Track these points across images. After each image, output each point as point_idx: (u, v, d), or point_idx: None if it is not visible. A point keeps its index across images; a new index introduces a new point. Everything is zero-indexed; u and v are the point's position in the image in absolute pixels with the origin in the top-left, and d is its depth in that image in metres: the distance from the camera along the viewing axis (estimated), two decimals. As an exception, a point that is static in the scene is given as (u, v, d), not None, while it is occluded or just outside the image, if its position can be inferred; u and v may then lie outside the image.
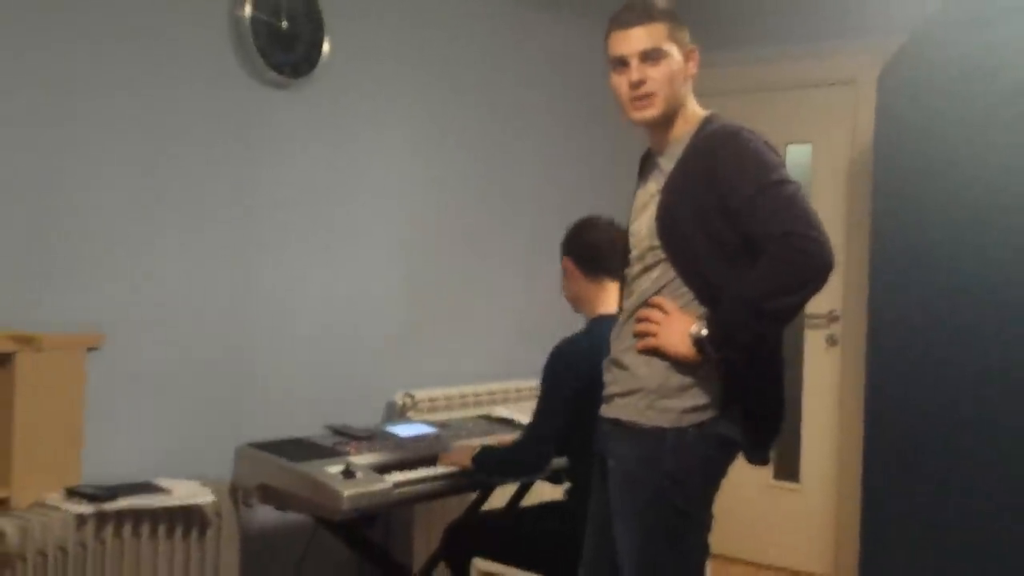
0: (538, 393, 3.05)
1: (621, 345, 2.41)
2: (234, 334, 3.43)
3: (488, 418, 3.89)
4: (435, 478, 3.13)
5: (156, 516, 2.92)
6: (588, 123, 4.83)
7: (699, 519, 2.35)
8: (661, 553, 2.32)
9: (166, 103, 3.21)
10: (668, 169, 2.34)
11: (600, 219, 3.10)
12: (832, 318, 4.86)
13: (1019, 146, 3.89)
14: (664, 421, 2.28)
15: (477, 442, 3.25)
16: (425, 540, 3.76)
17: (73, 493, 2.81)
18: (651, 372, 2.31)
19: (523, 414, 3.78)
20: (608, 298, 3.00)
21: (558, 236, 4.55)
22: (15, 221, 2.87)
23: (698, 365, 2.27)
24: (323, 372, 3.71)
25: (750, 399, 2.33)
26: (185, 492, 2.97)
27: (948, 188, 4.05)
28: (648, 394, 2.31)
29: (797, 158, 4.96)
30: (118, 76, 3.08)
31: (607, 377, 2.45)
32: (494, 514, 3.58)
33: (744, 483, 4.74)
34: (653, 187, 2.37)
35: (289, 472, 2.97)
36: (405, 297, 4.03)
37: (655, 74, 2.32)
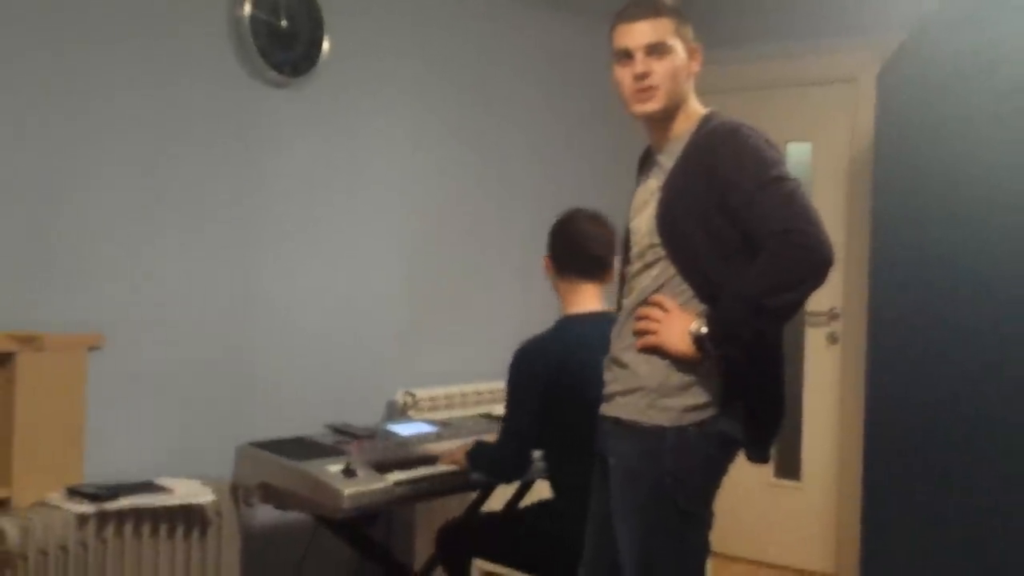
0: (505, 394, 3.01)
1: (621, 343, 2.41)
2: (235, 333, 3.43)
3: (489, 417, 3.88)
4: (436, 477, 3.12)
5: (157, 515, 2.92)
6: (588, 120, 4.83)
7: (700, 517, 2.35)
8: (662, 551, 2.32)
9: (166, 103, 3.21)
10: (668, 166, 2.34)
11: (581, 215, 3.03)
12: (832, 316, 4.86)
13: (1018, 142, 3.89)
14: (665, 420, 2.28)
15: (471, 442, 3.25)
16: (426, 539, 3.76)
17: (74, 492, 2.81)
18: (651, 371, 2.31)
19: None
20: (580, 298, 2.98)
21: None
22: (15, 221, 2.87)
23: (698, 363, 2.27)
24: (324, 371, 3.71)
25: (751, 397, 2.33)
26: (186, 491, 2.97)
27: (948, 185, 4.06)
28: (649, 393, 2.31)
29: (797, 156, 4.96)
30: (118, 76, 3.08)
31: (607, 376, 2.45)
32: (488, 515, 3.58)
33: (745, 481, 4.74)
34: (653, 184, 2.37)
35: (290, 471, 2.97)
36: (406, 296, 4.03)
37: (659, 68, 2.32)
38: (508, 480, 3.29)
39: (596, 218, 3.02)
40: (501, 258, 4.48)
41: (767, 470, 4.88)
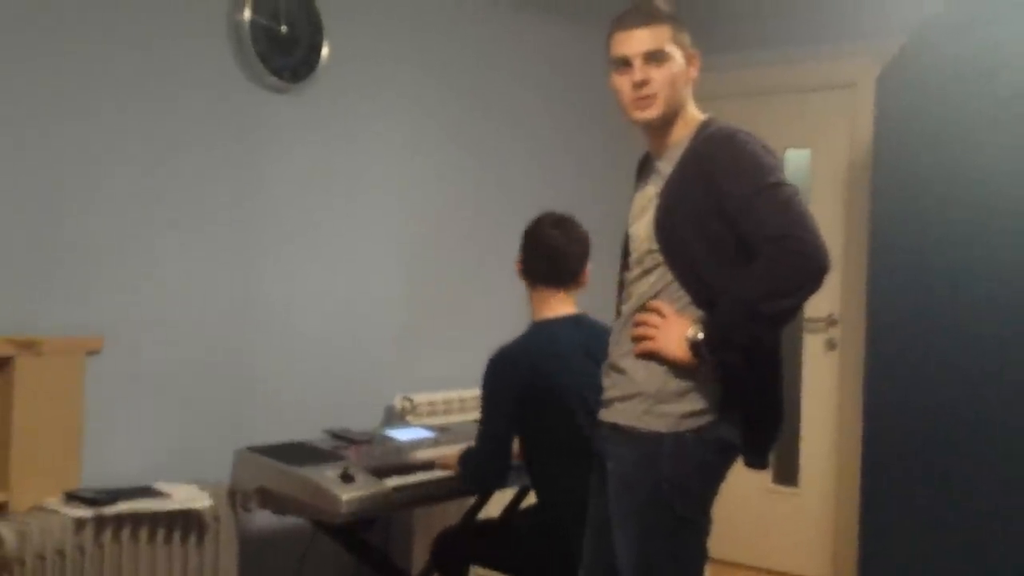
0: (481, 401, 3.00)
1: (619, 349, 2.41)
2: (233, 338, 3.43)
3: (487, 422, 3.88)
4: (433, 482, 3.12)
5: (155, 520, 2.92)
6: (586, 125, 4.83)
7: (698, 523, 2.35)
8: (659, 557, 2.32)
9: (166, 107, 3.21)
10: (666, 173, 2.34)
11: (547, 222, 3.00)
12: (831, 322, 4.86)
13: (1018, 148, 3.89)
14: (662, 426, 2.28)
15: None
16: (424, 544, 3.76)
17: (72, 497, 2.81)
18: (649, 376, 2.31)
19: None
20: (551, 304, 2.98)
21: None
22: (15, 225, 2.87)
23: (695, 370, 2.27)
24: (322, 376, 3.71)
25: (749, 403, 2.33)
26: (184, 496, 2.97)
27: (947, 191, 4.06)
28: (647, 398, 2.31)
29: (796, 162, 4.97)
30: (118, 81, 3.09)
31: (606, 382, 2.45)
32: (485, 521, 3.57)
33: (743, 487, 4.74)
34: (652, 190, 2.38)
35: (288, 476, 2.97)
36: (404, 300, 4.03)
37: (658, 75, 2.32)
38: (487, 488, 3.28)
39: (563, 225, 2.99)
40: (499, 263, 4.47)
41: (765, 476, 4.88)
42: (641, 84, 2.32)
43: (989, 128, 3.95)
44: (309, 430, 3.46)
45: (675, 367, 2.28)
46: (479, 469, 3.04)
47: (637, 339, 2.33)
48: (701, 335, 2.23)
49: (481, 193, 4.39)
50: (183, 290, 3.27)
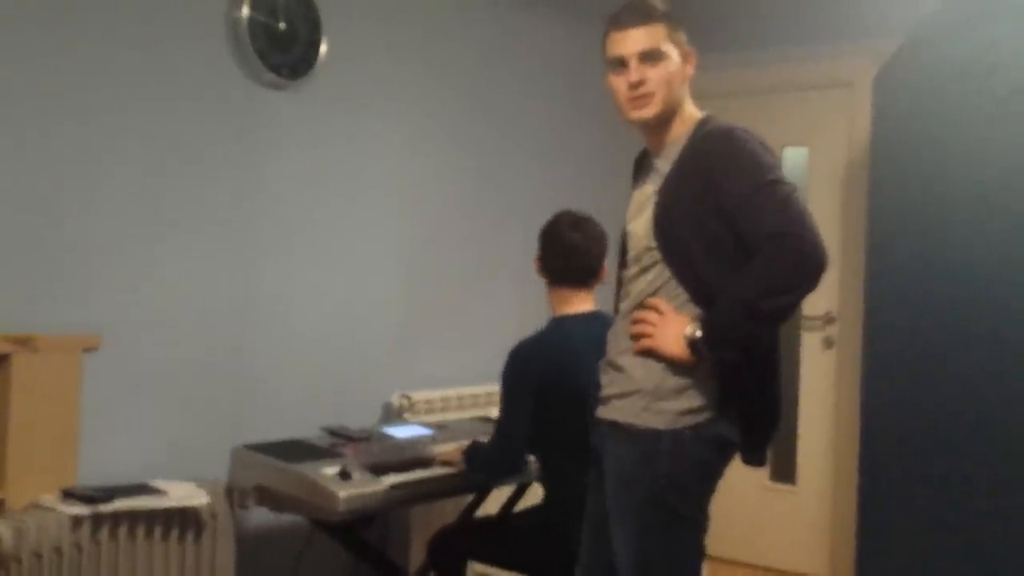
0: (500, 395, 3.03)
1: (617, 347, 2.41)
2: (230, 336, 3.43)
3: (485, 419, 3.88)
4: (431, 480, 3.12)
5: (152, 517, 2.92)
6: (585, 123, 4.83)
7: (695, 520, 2.35)
8: (657, 554, 2.32)
9: (164, 104, 3.20)
10: (665, 171, 2.34)
11: (566, 221, 3.03)
12: (828, 320, 4.87)
13: (1015, 146, 3.89)
14: (660, 423, 2.28)
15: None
16: (421, 542, 3.75)
17: (69, 494, 2.81)
18: (647, 374, 2.31)
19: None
20: (571, 301, 3.01)
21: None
22: (12, 222, 2.86)
23: (693, 367, 2.27)
24: (320, 373, 3.71)
25: (747, 401, 2.33)
26: (181, 493, 2.97)
27: (944, 190, 4.06)
28: (644, 396, 2.31)
29: (794, 161, 4.97)
30: (116, 78, 3.08)
31: (604, 379, 2.45)
32: (483, 518, 3.57)
33: (740, 485, 4.74)
34: (650, 189, 2.38)
35: (285, 473, 2.96)
36: (402, 298, 4.03)
37: (654, 75, 2.32)
38: (502, 478, 3.30)
39: (581, 224, 3.03)
40: (498, 261, 4.48)
41: (762, 474, 4.88)
42: (637, 84, 2.32)
43: (986, 126, 3.95)
44: (306, 428, 3.46)
45: (673, 364, 2.28)
46: (491, 464, 3.08)
47: (635, 337, 2.33)
48: (699, 333, 2.23)
49: (480, 191, 4.39)
50: (181, 287, 3.27)
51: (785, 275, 2.17)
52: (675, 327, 2.26)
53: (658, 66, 2.32)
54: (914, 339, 4.12)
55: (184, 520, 3.00)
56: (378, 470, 3.05)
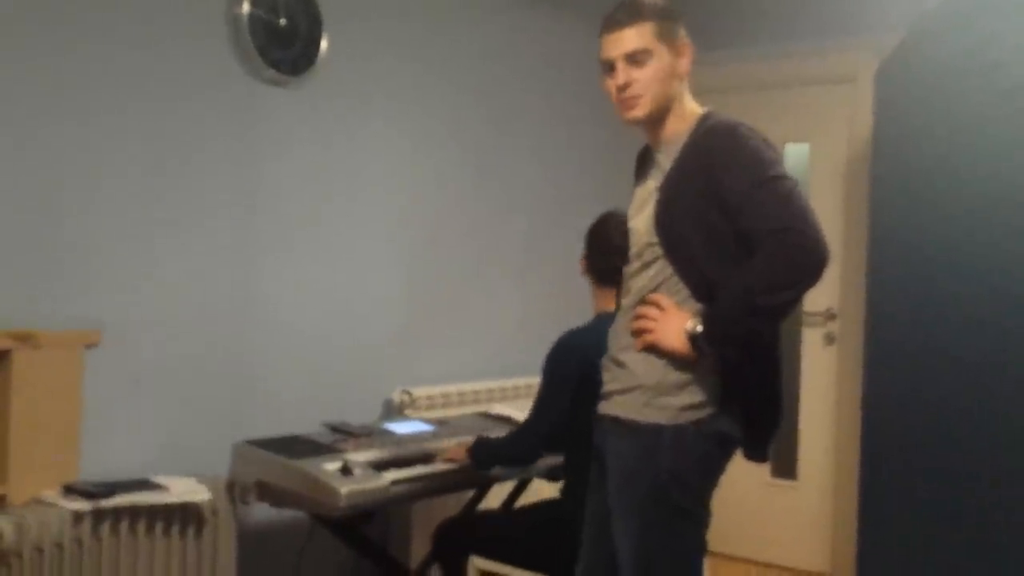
0: (539, 385, 3.06)
1: (619, 343, 2.41)
2: (232, 332, 3.43)
3: (486, 415, 3.89)
4: (432, 475, 3.12)
5: (153, 513, 2.92)
6: (585, 120, 4.83)
7: (697, 516, 2.35)
8: (659, 550, 2.32)
9: (165, 101, 3.20)
10: (666, 166, 2.34)
11: (613, 222, 3.05)
12: (829, 316, 4.87)
13: (1018, 142, 3.89)
14: (662, 418, 2.28)
15: (473, 439, 3.25)
16: (423, 538, 3.76)
17: (70, 490, 2.81)
18: (649, 369, 2.31)
19: (521, 411, 3.78)
20: (610, 302, 3.02)
21: (555, 233, 4.55)
22: (13, 218, 2.86)
23: (694, 362, 2.27)
24: (321, 369, 3.71)
25: (749, 397, 2.33)
26: (182, 489, 2.97)
27: (946, 185, 4.05)
28: (646, 391, 2.31)
29: (795, 156, 4.97)
30: (117, 75, 3.08)
31: (606, 375, 2.45)
32: (487, 512, 3.57)
33: (742, 480, 4.75)
34: (652, 184, 2.38)
35: (286, 469, 2.97)
36: (403, 294, 4.03)
37: (640, 76, 2.32)
38: (520, 464, 3.30)
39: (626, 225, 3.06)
40: (499, 258, 4.49)
41: (764, 470, 4.89)
42: (623, 87, 2.33)
43: (988, 122, 3.95)
44: (308, 424, 3.46)
45: (675, 360, 2.28)
46: (508, 458, 3.13)
47: (636, 333, 2.33)
48: (700, 328, 2.23)
49: (481, 188, 4.38)
50: (182, 283, 3.27)
51: (787, 271, 2.17)
52: (676, 322, 2.26)
53: (645, 67, 2.32)
54: (916, 334, 4.12)
55: (185, 516, 3.01)
56: (379, 466, 3.05)
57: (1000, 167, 3.94)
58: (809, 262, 2.17)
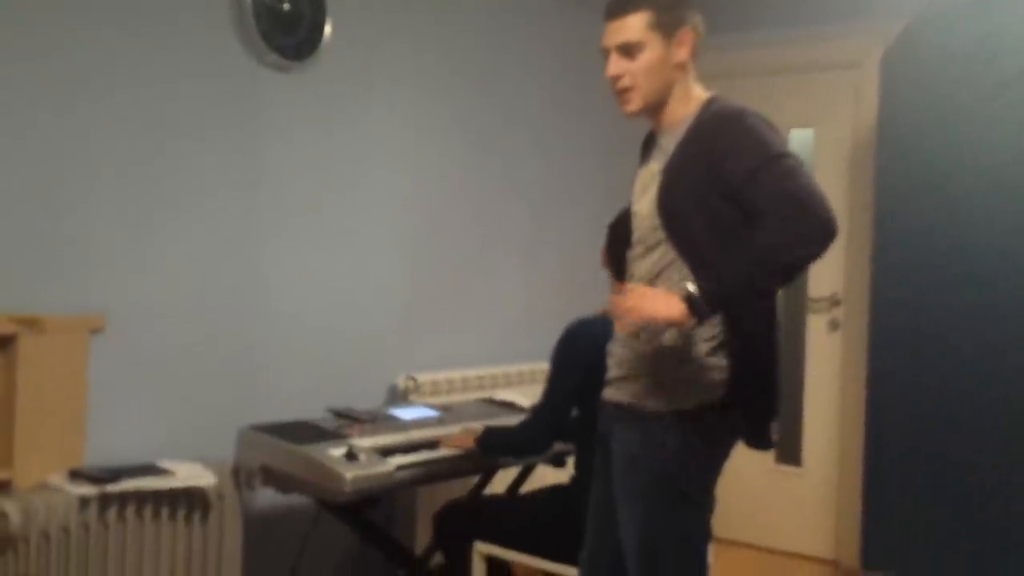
0: (547, 374, 3.06)
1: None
2: (236, 317, 3.43)
3: (490, 401, 3.89)
4: (437, 461, 3.13)
5: (159, 498, 2.92)
6: (589, 106, 4.81)
7: (701, 502, 2.36)
8: (663, 536, 2.32)
9: (168, 87, 3.20)
10: (670, 150, 2.33)
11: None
12: (834, 302, 4.86)
13: (1021, 128, 3.88)
14: (666, 404, 2.28)
15: (478, 425, 3.26)
16: (427, 523, 3.77)
17: (76, 475, 2.81)
18: (653, 356, 2.31)
19: (525, 397, 3.79)
20: None
21: (559, 220, 4.54)
22: (18, 203, 2.86)
23: (690, 329, 2.23)
24: (326, 355, 3.71)
25: (748, 383, 2.32)
26: (187, 474, 2.97)
27: (950, 171, 4.05)
28: (650, 378, 2.31)
29: (800, 142, 4.96)
30: (119, 61, 3.07)
31: (610, 361, 2.45)
32: (491, 497, 3.58)
33: (746, 467, 4.75)
34: (655, 167, 2.37)
35: (292, 454, 2.97)
36: (407, 280, 4.03)
37: (632, 67, 2.31)
38: (530, 453, 3.31)
39: None
40: (503, 244, 4.48)
41: (768, 456, 4.88)
42: (615, 79, 2.32)
43: (993, 108, 3.94)
44: (313, 409, 3.47)
45: (678, 347, 2.27)
46: (518, 447, 3.13)
47: (625, 317, 2.27)
48: (695, 288, 2.14)
49: (484, 173, 4.38)
50: (187, 268, 3.27)
51: (796, 231, 2.10)
52: (663, 295, 2.18)
53: (636, 59, 2.31)
54: (920, 321, 4.12)
55: (191, 500, 3.01)
56: (384, 451, 3.05)
57: (1005, 154, 3.93)
58: (816, 228, 2.10)
